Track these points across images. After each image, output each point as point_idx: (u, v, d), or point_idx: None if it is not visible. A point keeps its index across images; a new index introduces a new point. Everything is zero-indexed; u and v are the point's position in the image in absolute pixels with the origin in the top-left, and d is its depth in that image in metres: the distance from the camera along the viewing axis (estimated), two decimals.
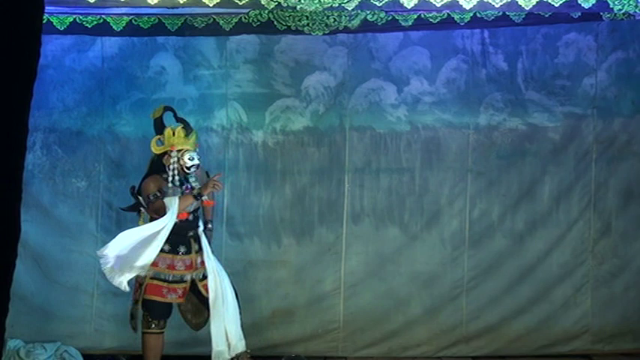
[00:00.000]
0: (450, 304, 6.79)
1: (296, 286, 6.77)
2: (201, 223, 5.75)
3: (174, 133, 5.63)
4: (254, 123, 6.76)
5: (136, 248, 5.44)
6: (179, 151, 5.60)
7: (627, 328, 6.80)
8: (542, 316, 6.78)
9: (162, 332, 5.67)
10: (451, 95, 6.79)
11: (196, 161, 5.62)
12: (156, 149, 5.69)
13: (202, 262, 5.67)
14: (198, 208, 5.78)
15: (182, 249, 5.63)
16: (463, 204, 6.81)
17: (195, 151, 5.65)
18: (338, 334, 6.79)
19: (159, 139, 5.69)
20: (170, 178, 5.59)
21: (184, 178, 5.66)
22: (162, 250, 5.55)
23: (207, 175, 5.86)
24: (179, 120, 5.74)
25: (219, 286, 5.62)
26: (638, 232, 6.83)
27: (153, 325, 5.62)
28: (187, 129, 5.68)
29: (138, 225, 5.68)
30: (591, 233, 6.82)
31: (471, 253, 6.79)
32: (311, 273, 6.79)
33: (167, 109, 5.75)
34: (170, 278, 5.60)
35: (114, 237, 6.67)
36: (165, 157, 5.63)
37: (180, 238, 5.63)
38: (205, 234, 5.77)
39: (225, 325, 5.60)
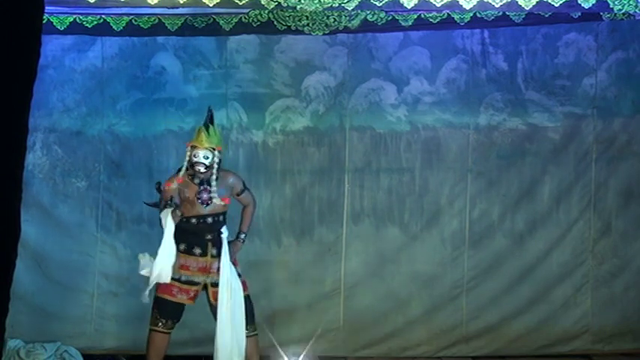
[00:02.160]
0: (450, 304, 6.79)
1: (296, 286, 6.77)
2: (224, 229, 5.69)
3: (197, 131, 5.67)
4: (254, 123, 6.76)
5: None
6: (193, 147, 5.60)
7: (627, 328, 6.80)
8: (542, 316, 6.79)
9: (169, 333, 5.66)
10: (451, 95, 6.79)
11: (201, 159, 5.55)
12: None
13: (219, 269, 5.62)
14: (223, 213, 5.70)
15: (197, 250, 5.62)
16: (463, 204, 6.81)
17: (204, 149, 5.58)
18: (338, 334, 6.79)
19: None
20: (183, 172, 5.61)
21: (207, 179, 5.62)
22: (177, 250, 5.59)
23: (244, 186, 5.81)
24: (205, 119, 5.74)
25: (229, 299, 5.57)
26: (638, 232, 6.83)
27: (160, 324, 5.64)
28: (206, 129, 5.63)
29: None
30: (591, 233, 6.83)
31: (471, 253, 6.80)
32: (311, 273, 6.79)
33: (209, 110, 5.74)
34: (182, 278, 5.61)
35: (114, 237, 6.72)
36: None
37: (197, 239, 5.62)
38: (229, 243, 5.69)
39: (230, 341, 5.57)
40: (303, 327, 6.74)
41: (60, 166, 6.75)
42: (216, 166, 5.61)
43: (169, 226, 5.53)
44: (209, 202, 5.62)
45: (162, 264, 5.53)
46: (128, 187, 6.76)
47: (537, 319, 6.78)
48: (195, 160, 5.57)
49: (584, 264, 6.83)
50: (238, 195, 5.81)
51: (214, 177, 5.62)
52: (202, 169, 5.57)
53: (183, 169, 5.62)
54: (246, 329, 5.66)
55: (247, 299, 5.70)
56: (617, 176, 6.83)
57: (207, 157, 5.57)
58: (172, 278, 5.60)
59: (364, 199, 6.83)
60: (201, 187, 5.61)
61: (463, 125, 6.80)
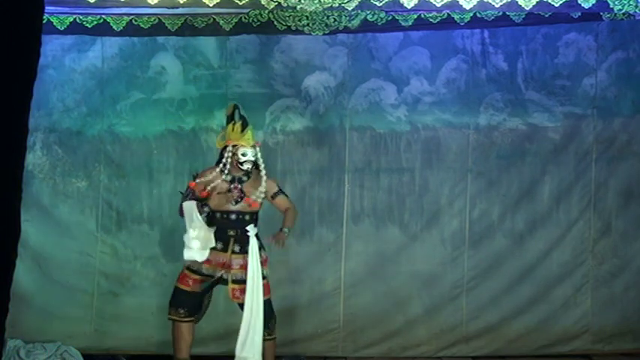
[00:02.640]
0: (450, 304, 6.79)
1: (296, 286, 6.76)
2: (251, 228, 5.66)
3: (233, 129, 5.67)
4: (254, 123, 6.71)
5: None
6: (234, 146, 5.62)
7: (627, 328, 6.80)
8: (542, 316, 6.78)
9: (183, 321, 5.64)
10: (451, 95, 6.79)
11: (250, 157, 5.60)
12: (218, 144, 5.77)
13: (243, 266, 5.61)
14: (249, 213, 5.66)
15: (219, 245, 5.62)
16: (463, 204, 6.81)
17: (251, 147, 5.61)
18: (338, 334, 6.79)
19: (223, 134, 5.76)
20: (224, 170, 5.63)
21: (239, 177, 5.64)
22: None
23: (279, 188, 5.77)
24: (240, 117, 5.74)
25: (255, 296, 5.58)
26: (638, 232, 6.83)
27: (172, 311, 5.66)
28: (243, 125, 5.66)
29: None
30: (591, 233, 6.83)
31: (471, 253, 6.79)
32: (311, 273, 6.79)
33: (236, 106, 5.75)
34: (204, 272, 5.62)
35: (114, 237, 6.72)
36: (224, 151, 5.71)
37: (220, 234, 5.62)
38: (258, 238, 5.67)
39: (254, 336, 5.58)
40: (303, 327, 6.74)
41: (60, 166, 6.75)
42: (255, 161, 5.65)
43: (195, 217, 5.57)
44: (239, 199, 5.63)
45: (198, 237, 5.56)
46: (128, 187, 6.76)
47: (537, 319, 6.78)
48: (244, 159, 5.60)
49: (584, 264, 6.82)
50: (273, 198, 5.75)
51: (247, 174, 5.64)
52: (250, 167, 5.61)
53: (224, 167, 5.64)
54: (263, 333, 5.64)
55: (267, 303, 5.69)
56: (617, 176, 6.83)
57: (255, 155, 5.63)
58: (191, 270, 5.63)
59: (364, 199, 6.83)
60: (232, 185, 5.63)
61: (463, 125, 6.80)
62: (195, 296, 5.67)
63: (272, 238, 5.73)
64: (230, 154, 5.63)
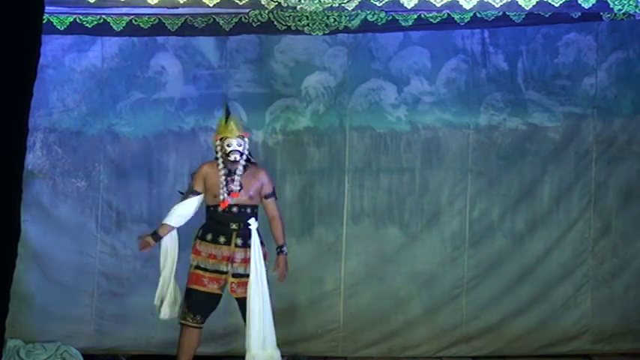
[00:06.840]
0: (450, 304, 6.79)
1: (296, 285, 6.75)
2: (253, 221, 5.66)
3: (220, 123, 5.70)
4: (254, 123, 6.75)
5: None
6: (221, 139, 5.60)
7: (627, 328, 6.80)
8: (542, 316, 6.78)
9: (198, 327, 5.63)
10: (451, 95, 6.79)
11: (235, 147, 5.56)
12: (212, 140, 5.76)
13: (245, 260, 5.61)
14: (250, 206, 5.66)
15: (222, 239, 5.61)
16: (463, 204, 6.81)
17: (236, 137, 5.57)
18: (338, 334, 6.79)
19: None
20: (220, 165, 5.63)
21: (234, 170, 5.62)
22: (205, 240, 5.62)
23: (274, 191, 5.75)
24: (226, 112, 5.73)
25: (260, 290, 5.59)
26: (638, 232, 6.83)
27: (188, 318, 5.62)
28: (227, 117, 5.65)
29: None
30: (591, 233, 6.83)
31: (471, 253, 6.79)
32: (311, 273, 6.79)
33: (226, 104, 5.78)
34: (210, 267, 5.61)
35: (114, 237, 6.72)
36: None
37: (222, 228, 5.62)
38: (258, 233, 5.68)
39: (264, 330, 5.58)
40: (303, 327, 6.74)
41: (60, 166, 6.75)
42: (246, 152, 5.62)
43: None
44: (238, 188, 5.62)
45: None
46: (128, 187, 6.76)
47: (537, 319, 6.78)
48: (229, 149, 5.57)
49: (584, 264, 6.83)
50: (266, 198, 5.71)
51: (242, 168, 5.63)
52: (238, 157, 5.58)
53: (220, 162, 5.66)
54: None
55: None
56: (617, 176, 6.83)
57: (240, 145, 5.59)
58: (199, 267, 5.62)
59: (364, 199, 6.83)
60: (228, 178, 5.63)
61: (463, 125, 6.80)
62: (214, 298, 5.64)
63: (277, 268, 5.78)
64: (219, 147, 5.62)
